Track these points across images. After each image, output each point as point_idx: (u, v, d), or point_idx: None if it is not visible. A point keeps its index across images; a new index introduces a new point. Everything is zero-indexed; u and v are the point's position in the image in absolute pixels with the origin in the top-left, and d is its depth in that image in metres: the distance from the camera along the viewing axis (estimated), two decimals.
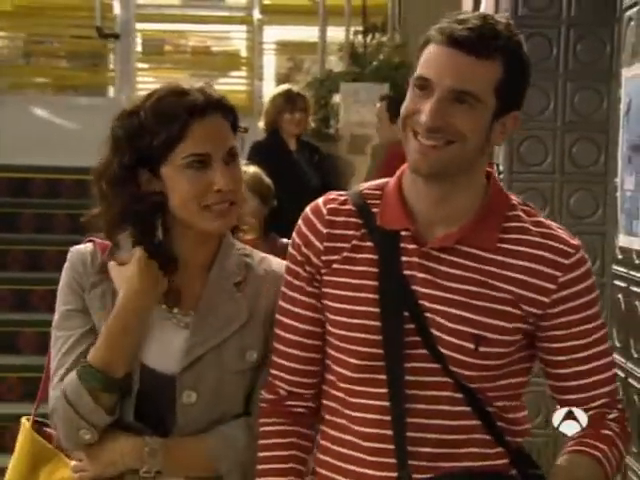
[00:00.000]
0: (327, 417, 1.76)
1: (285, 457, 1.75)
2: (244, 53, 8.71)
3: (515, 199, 1.72)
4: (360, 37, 7.44)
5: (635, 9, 2.17)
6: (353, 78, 6.77)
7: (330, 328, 1.73)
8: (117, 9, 8.24)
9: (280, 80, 8.42)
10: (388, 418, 1.65)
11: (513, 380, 1.70)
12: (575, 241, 1.69)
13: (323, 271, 1.73)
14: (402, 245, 1.68)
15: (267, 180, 3.98)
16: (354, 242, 1.71)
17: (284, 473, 1.74)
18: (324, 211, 1.75)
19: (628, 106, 2.18)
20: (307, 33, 8.13)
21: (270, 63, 8.68)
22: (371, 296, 1.67)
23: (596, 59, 3.58)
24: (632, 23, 2.19)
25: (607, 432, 1.67)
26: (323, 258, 1.72)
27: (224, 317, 1.82)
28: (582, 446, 1.64)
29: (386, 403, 1.65)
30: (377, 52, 7.10)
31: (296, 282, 1.76)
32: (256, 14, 8.49)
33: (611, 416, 1.69)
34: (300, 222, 1.77)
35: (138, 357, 1.80)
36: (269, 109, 5.55)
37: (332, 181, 5.86)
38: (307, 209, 1.78)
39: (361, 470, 1.69)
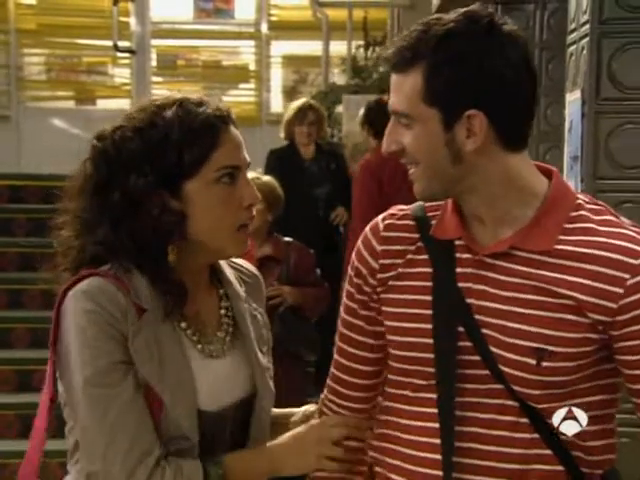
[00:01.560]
0: (381, 444, 1.62)
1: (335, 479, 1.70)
2: (253, 66, 8.97)
3: (583, 198, 1.53)
4: (362, 51, 7.64)
5: (573, 47, 2.61)
6: (355, 90, 6.95)
7: (389, 349, 1.60)
8: (133, 26, 8.54)
9: (286, 92, 8.73)
10: (438, 441, 1.51)
11: (590, 399, 1.50)
12: None
13: (379, 290, 1.60)
14: (457, 255, 1.53)
15: (278, 191, 4.20)
16: (409, 256, 1.58)
17: None
18: (381, 227, 1.61)
19: (570, 124, 2.62)
20: (312, 47, 8.33)
21: (277, 76, 8.91)
22: (426, 312, 1.53)
23: (565, 77, 3.98)
24: (572, 58, 2.62)
25: None
26: (378, 276, 1.59)
27: (249, 324, 1.74)
28: None
29: (437, 425, 1.51)
30: (378, 65, 7.21)
31: (350, 303, 1.65)
32: (264, 29, 8.78)
33: None
34: (359, 241, 1.64)
35: (196, 408, 1.61)
36: (285, 121, 5.81)
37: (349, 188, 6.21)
38: (367, 227, 1.64)
39: None
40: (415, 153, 1.49)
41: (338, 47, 7.86)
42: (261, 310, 1.80)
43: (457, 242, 1.54)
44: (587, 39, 2.47)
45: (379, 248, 1.60)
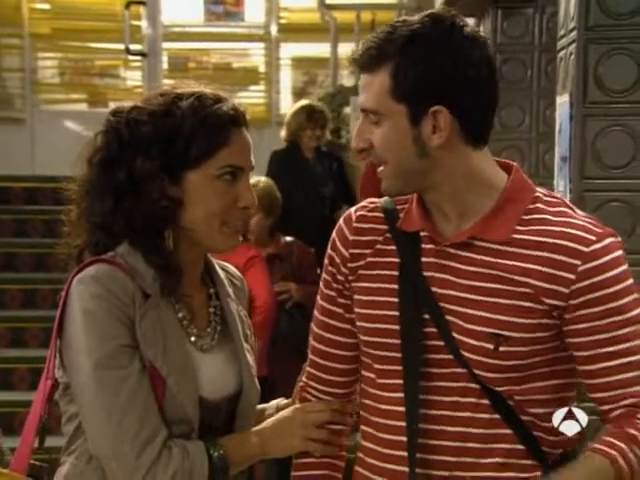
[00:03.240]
0: (362, 427, 1.69)
1: (319, 464, 1.76)
2: (262, 68, 9.04)
3: (542, 191, 1.60)
4: None
5: (563, 52, 2.70)
6: None
7: (359, 335, 1.66)
8: (145, 30, 8.59)
9: (296, 93, 8.79)
10: (404, 424, 1.57)
11: (548, 383, 1.57)
12: (600, 229, 1.55)
13: (350, 278, 1.67)
14: (422, 246, 1.59)
15: (275, 193, 4.28)
16: (377, 246, 1.64)
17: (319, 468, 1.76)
18: (353, 218, 1.68)
19: (560, 126, 2.72)
20: (321, 49, 8.39)
21: (286, 77, 8.99)
22: (392, 299, 1.60)
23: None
24: (562, 63, 2.72)
25: (632, 431, 1.48)
26: (349, 265, 1.66)
27: (238, 323, 1.80)
28: (600, 444, 1.49)
29: (403, 409, 1.58)
30: None
31: (327, 291, 1.71)
32: (273, 32, 8.84)
33: None
34: (334, 231, 1.71)
35: (198, 394, 1.66)
36: (291, 123, 5.82)
37: (350, 187, 6.32)
38: (341, 218, 1.71)
39: (374, 477, 1.63)
40: (383, 151, 1.55)
41: (346, 49, 7.70)
42: (245, 313, 1.85)
43: (422, 233, 1.60)
44: (574, 45, 2.57)
45: (350, 238, 1.67)
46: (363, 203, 1.70)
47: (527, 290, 1.52)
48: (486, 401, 1.55)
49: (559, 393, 1.58)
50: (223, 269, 1.84)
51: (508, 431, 1.56)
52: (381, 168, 1.58)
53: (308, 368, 1.77)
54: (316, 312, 1.74)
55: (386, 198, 1.67)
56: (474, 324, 1.54)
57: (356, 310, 1.66)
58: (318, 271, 4.44)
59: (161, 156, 1.64)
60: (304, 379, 1.78)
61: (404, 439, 1.57)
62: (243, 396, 1.75)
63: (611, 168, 2.58)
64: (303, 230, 4.68)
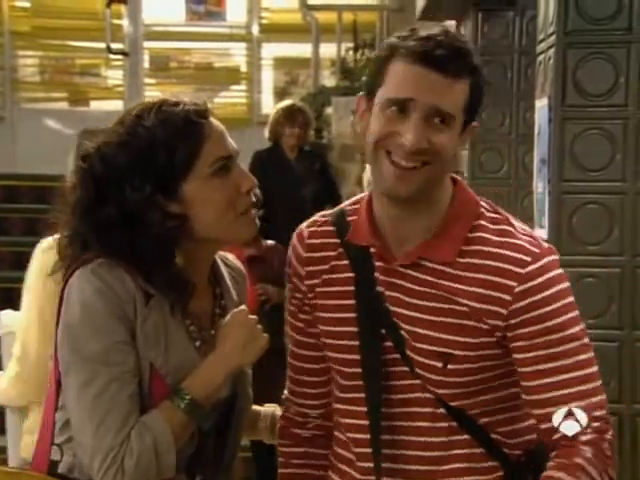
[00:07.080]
0: (335, 434, 1.73)
1: (300, 475, 1.79)
2: (244, 68, 9.10)
3: (486, 206, 1.63)
4: (351, 53, 7.74)
5: (542, 56, 2.74)
6: (344, 92, 7.05)
7: (324, 350, 1.69)
8: (126, 28, 8.58)
9: (278, 93, 8.84)
10: (368, 437, 1.61)
11: (499, 394, 1.61)
12: (537, 249, 1.57)
13: (310, 296, 1.68)
14: (374, 262, 1.61)
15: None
16: (332, 262, 1.66)
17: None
18: (305, 235, 1.70)
19: (539, 129, 2.75)
20: (302, 49, 8.43)
21: (268, 77, 9.05)
22: (350, 315, 1.62)
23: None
24: (541, 66, 2.75)
25: (578, 460, 1.47)
26: (306, 283, 1.68)
27: None
28: (547, 477, 1.48)
29: (367, 422, 1.61)
30: (367, 67, 7.43)
31: (290, 307, 1.74)
32: (255, 32, 8.90)
33: (584, 438, 1.50)
34: (290, 249, 1.72)
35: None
36: (272, 122, 5.85)
37: (333, 187, 6.35)
38: (294, 234, 1.72)
39: None
40: (443, 150, 1.54)
41: (328, 49, 7.94)
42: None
43: (372, 249, 1.62)
44: (553, 49, 2.60)
45: (304, 255, 1.69)
46: (314, 218, 1.71)
47: (468, 310, 1.56)
48: (442, 410, 1.59)
49: (512, 401, 1.61)
50: (224, 262, 1.82)
51: (467, 437, 1.59)
52: (418, 168, 1.55)
53: (287, 382, 1.81)
54: (286, 327, 1.78)
55: (336, 211, 1.69)
56: (423, 343, 1.57)
57: (319, 327, 1.68)
58: None
59: (147, 179, 1.60)
60: (285, 392, 1.82)
61: (368, 450, 1.61)
62: (237, 401, 1.75)
63: (589, 171, 2.61)
64: (283, 230, 4.67)
